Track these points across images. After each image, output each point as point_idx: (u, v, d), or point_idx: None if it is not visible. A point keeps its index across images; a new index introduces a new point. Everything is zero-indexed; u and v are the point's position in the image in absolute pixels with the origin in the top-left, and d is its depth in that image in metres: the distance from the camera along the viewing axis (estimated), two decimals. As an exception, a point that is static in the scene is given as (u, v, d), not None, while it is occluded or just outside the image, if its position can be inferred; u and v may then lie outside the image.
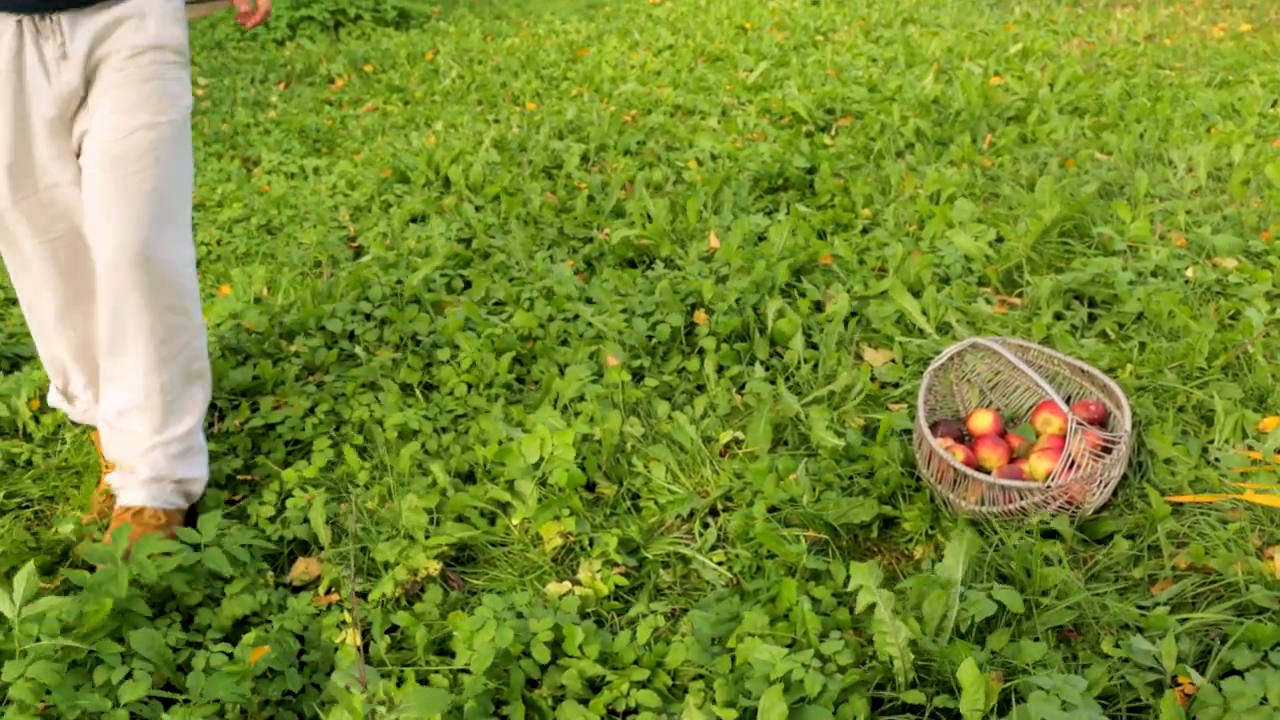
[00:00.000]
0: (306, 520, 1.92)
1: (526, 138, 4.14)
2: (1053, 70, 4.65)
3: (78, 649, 1.46)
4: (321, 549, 1.88)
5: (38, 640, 1.42)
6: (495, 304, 2.73)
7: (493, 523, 1.92)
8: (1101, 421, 1.99)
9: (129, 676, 1.44)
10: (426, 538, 1.83)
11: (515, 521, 1.89)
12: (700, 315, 2.52)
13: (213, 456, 2.13)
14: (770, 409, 2.11)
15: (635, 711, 1.47)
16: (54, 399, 2.09)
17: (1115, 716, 1.44)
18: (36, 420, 2.28)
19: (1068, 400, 2.09)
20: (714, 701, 1.45)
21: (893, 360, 2.38)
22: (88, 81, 1.71)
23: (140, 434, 1.86)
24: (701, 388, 2.33)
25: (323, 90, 5.38)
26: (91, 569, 1.75)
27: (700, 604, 1.65)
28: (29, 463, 2.19)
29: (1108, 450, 1.85)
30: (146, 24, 1.72)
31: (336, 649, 1.60)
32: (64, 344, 1.95)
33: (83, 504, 2.03)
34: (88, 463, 2.16)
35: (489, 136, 4.11)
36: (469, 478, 2.06)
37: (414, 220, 3.42)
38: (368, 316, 2.62)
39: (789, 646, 1.52)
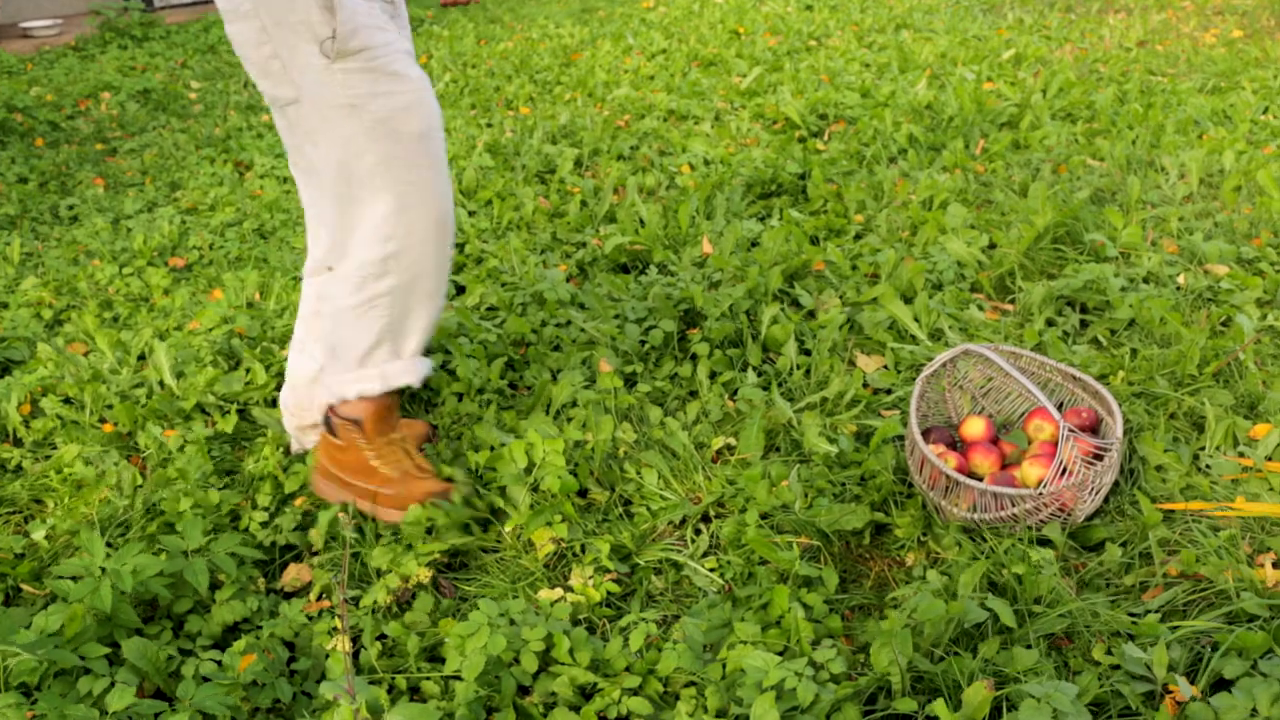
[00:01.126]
0: (298, 526, 1.91)
1: (520, 142, 4.14)
2: (1045, 76, 4.66)
3: (67, 656, 1.46)
4: (315, 554, 1.87)
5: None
6: (488, 309, 2.72)
7: (485, 529, 1.92)
8: (1093, 428, 1.99)
9: (113, 685, 1.43)
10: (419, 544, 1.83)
11: (507, 528, 1.88)
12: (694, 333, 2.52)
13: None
14: (763, 415, 2.11)
15: (627, 719, 1.46)
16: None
17: (1106, 724, 1.44)
18: (27, 425, 2.28)
19: (1060, 407, 2.10)
20: (705, 709, 1.45)
21: (885, 366, 2.38)
22: None
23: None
24: (694, 394, 2.33)
25: (316, 94, 5.36)
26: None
27: (692, 611, 1.65)
28: (19, 468, 2.18)
29: (1099, 457, 1.85)
30: None
31: (327, 656, 1.60)
32: None
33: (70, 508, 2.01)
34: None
35: (482, 141, 4.11)
36: (461, 484, 2.05)
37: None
38: (360, 321, 2.61)
39: (781, 654, 1.52)
